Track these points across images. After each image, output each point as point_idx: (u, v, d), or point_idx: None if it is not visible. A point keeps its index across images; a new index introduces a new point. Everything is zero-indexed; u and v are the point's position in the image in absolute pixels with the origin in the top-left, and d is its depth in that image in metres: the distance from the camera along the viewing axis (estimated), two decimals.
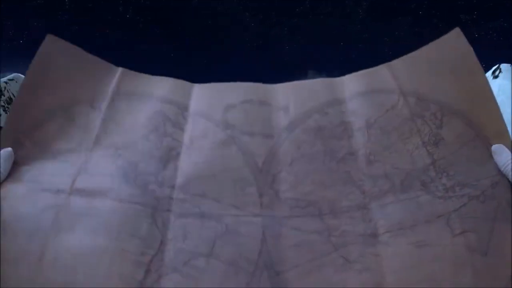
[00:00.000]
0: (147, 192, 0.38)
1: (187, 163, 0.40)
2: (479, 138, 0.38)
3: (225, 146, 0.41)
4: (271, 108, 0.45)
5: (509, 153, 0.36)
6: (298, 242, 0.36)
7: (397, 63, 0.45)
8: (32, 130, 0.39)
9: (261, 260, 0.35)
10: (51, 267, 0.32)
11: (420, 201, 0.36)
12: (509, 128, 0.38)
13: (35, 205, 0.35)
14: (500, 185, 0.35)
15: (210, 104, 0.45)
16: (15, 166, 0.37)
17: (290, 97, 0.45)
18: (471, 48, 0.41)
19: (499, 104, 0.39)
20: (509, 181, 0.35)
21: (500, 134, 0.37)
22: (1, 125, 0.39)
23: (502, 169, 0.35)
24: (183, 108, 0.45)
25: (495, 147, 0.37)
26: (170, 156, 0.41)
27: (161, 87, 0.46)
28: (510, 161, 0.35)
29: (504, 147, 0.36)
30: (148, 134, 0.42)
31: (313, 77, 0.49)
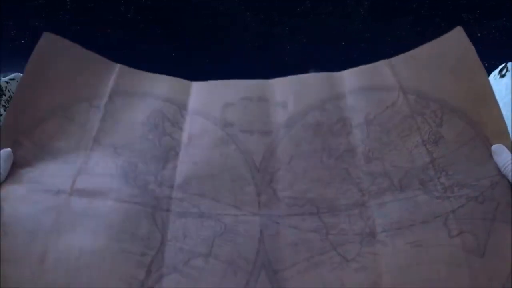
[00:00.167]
0: (146, 192, 0.37)
1: (186, 163, 0.40)
2: (479, 138, 0.37)
3: (224, 145, 0.41)
4: (269, 104, 0.44)
5: (509, 153, 0.35)
6: (296, 241, 0.35)
7: (397, 60, 0.44)
8: (31, 129, 0.38)
9: (259, 259, 0.35)
10: (53, 268, 0.32)
11: (418, 201, 0.36)
12: (510, 129, 0.38)
13: (36, 206, 0.34)
14: (499, 185, 0.34)
15: (208, 102, 0.44)
16: (15, 167, 0.36)
17: (289, 93, 0.44)
18: (473, 47, 0.41)
19: (506, 103, 0.39)
20: (509, 181, 0.34)
21: (500, 134, 0.37)
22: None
23: (502, 169, 0.35)
24: (181, 107, 0.44)
25: (495, 147, 0.36)
26: (169, 155, 0.40)
27: (160, 85, 0.45)
28: (510, 162, 0.34)
29: (504, 147, 0.36)
30: (147, 133, 0.41)
31: None
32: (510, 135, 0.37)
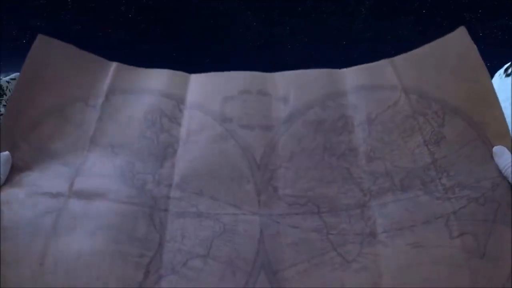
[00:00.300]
0: (144, 192, 0.37)
1: (184, 160, 0.39)
2: (480, 138, 0.37)
3: (223, 141, 0.40)
4: (270, 99, 0.43)
5: (510, 155, 0.35)
6: (296, 241, 0.35)
7: (399, 59, 0.44)
8: (28, 132, 0.38)
9: (258, 259, 0.34)
10: (52, 270, 0.32)
11: (419, 201, 0.35)
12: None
13: (35, 209, 0.34)
14: (500, 187, 0.34)
15: (207, 96, 0.43)
16: (13, 170, 0.36)
17: (290, 88, 0.43)
18: (475, 47, 0.40)
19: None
20: (509, 183, 0.34)
21: (501, 135, 0.36)
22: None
23: (502, 171, 0.35)
24: (179, 101, 0.43)
25: (496, 149, 0.36)
26: (167, 153, 0.40)
27: (157, 80, 0.45)
28: (510, 164, 0.34)
29: (505, 148, 0.35)
30: (145, 130, 0.41)
31: None
32: None
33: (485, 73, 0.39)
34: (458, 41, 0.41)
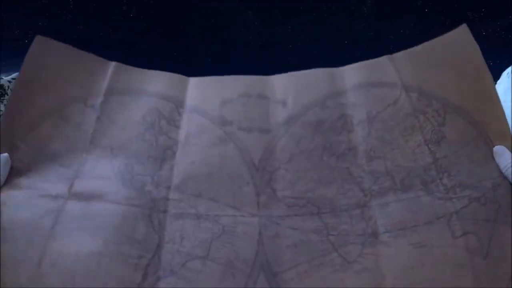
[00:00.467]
0: (143, 194, 0.39)
1: (183, 163, 0.41)
2: (481, 138, 0.39)
3: (222, 144, 0.42)
4: (268, 102, 0.45)
5: (510, 154, 0.36)
6: (296, 242, 0.37)
7: (400, 56, 0.46)
8: (27, 133, 0.40)
9: (257, 261, 0.36)
10: (50, 272, 0.33)
11: (421, 202, 0.37)
12: None
13: (34, 211, 0.36)
14: (501, 187, 0.36)
15: (206, 99, 0.46)
16: (13, 171, 0.38)
17: (289, 90, 0.46)
18: (477, 46, 0.42)
19: None
20: (510, 183, 0.35)
21: (502, 135, 0.38)
22: None
23: (503, 171, 0.36)
24: (178, 104, 0.46)
25: (496, 148, 0.38)
26: (165, 155, 0.42)
27: (156, 82, 0.47)
28: (511, 163, 0.35)
29: (505, 148, 0.37)
30: (143, 132, 0.43)
31: None
32: None
33: (486, 72, 0.40)
34: (460, 39, 0.43)
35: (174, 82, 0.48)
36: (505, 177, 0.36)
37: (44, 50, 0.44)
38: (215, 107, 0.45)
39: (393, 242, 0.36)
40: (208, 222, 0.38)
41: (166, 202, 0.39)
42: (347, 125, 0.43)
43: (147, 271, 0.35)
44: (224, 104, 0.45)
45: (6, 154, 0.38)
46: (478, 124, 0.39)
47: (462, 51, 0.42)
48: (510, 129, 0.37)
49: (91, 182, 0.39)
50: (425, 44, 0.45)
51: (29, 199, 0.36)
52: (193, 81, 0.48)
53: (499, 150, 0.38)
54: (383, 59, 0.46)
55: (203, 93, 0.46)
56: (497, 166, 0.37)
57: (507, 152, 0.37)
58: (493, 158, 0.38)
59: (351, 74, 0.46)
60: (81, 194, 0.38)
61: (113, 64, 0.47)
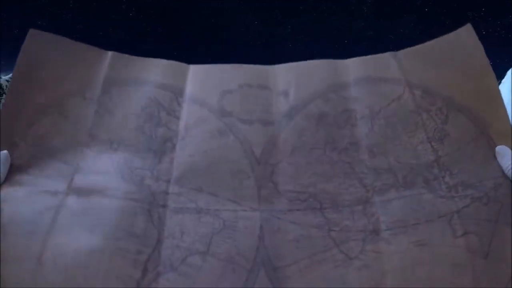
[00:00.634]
0: (143, 188, 0.36)
1: (182, 156, 0.39)
2: (483, 137, 0.37)
3: (222, 136, 0.39)
4: (270, 93, 0.42)
5: None
6: (297, 237, 0.35)
7: (404, 53, 0.43)
8: (26, 129, 0.38)
9: (258, 256, 0.34)
10: (50, 268, 0.31)
11: (422, 199, 0.35)
12: None
13: (34, 207, 0.34)
14: (503, 187, 0.34)
15: (206, 89, 0.42)
16: (12, 168, 0.36)
17: (291, 81, 0.43)
18: (481, 46, 0.40)
19: None
20: (511, 183, 0.34)
21: (505, 134, 0.36)
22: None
23: (505, 171, 0.34)
24: (178, 93, 0.42)
25: (498, 148, 0.35)
26: (165, 148, 0.39)
27: (155, 71, 0.44)
28: None
29: (507, 149, 0.35)
30: (143, 124, 0.40)
31: None
32: None
33: (490, 72, 0.39)
34: (464, 39, 0.41)
35: (173, 69, 0.44)
36: (507, 177, 0.35)
37: (39, 43, 0.41)
38: (215, 97, 0.42)
39: (394, 240, 0.34)
40: (208, 217, 0.36)
41: (165, 196, 0.37)
42: (350, 120, 0.40)
43: (147, 266, 0.33)
44: (224, 94, 0.42)
45: (5, 151, 0.36)
46: (481, 124, 0.37)
47: (466, 50, 0.41)
48: None
49: (91, 177, 0.37)
50: (429, 42, 0.43)
51: (29, 196, 0.35)
52: (194, 69, 0.44)
53: (501, 150, 0.35)
54: (387, 55, 0.44)
55: (203, 82, 0.43)
56: (499, 165, 0.35)
57: (509, 152, 0.35)
58: (495, 157, 0.36)
59: (354, 67, 0.43)
60: (81, 190, 0.36)
61: (110, 54, 0.44)
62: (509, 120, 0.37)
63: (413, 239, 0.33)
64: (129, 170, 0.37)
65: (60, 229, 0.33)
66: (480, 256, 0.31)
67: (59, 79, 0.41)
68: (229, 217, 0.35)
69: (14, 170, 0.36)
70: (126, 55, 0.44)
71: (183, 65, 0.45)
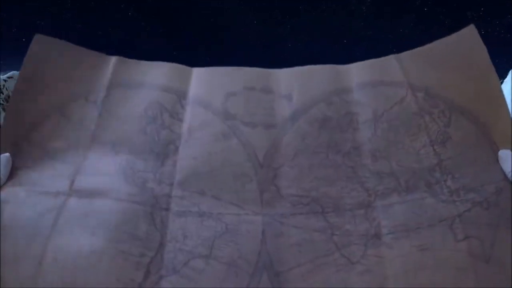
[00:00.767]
0: (145, 190, 0.37)
1: (185, 158, 0.39)
2: (485, 140, 0.37)
3: (225, 139, 0.40)
4: (273, 96, 0.43)
5: None
6: (300, 241, 0.35)
7: (406, 55, 0.44)
8: (29, 132, 0.38)
9: (261, 260, 0.34)
10: (51, 269, 0.31)
11: (424, 204, 0.35)
12: None
13: (35, 208, 0.34)
14: (504, 191, 0.34)
15: (209, 92, 0.43)
16: (14, 169, 0.36)
17: (294, 85, 0.43)
18: (485, 47, 0.40)
19: None
20: None
21: (507, 137, 0.36)
22: (0, 123, 0.39)
23: (508, 176, 0.34)
24: (181, 96, 0.43)
25: (501, 153, 0.35)
26: (168, 150, 0.39)
27: (158, 74, 0.44)
28: None
29: (510, 153, 0.35)
30: (145, 127, 0.40)
31: None
32: None
33: (493, 74, 0.39)
34: (467, 40, 0.41)
35: (176, 72, 0.45)
36: (508, 181, 0.35)
37: (44, 48, 0.42)
38: (219, 99, 0.42)
39: (395, 244, 0.34)
40: (211, 220, 0.36)
41: (168, 199, 0.37)
42: (352, 123, 0.41)
43: (149, 269, 0.33)
44: (228, 97, 0.42)
45: (7, 154, 0.36)
46: (483, 126, 0.38)
47: (469, 52, 0.40)
48: None
49: (92, 179, 0.37)
50: (432, 44, 0.43)
51: (31, 197, 0.35)
52: (197, 72, 0.45)
53: (504, 155, 0.36)
54: (389, 58, 0.44)
55: (207, 84, 0.44)
56: (501, 169, 0.35)
57: None
58: (497, 161, 0.36)
59: (357, 71, 0.44)
60: (82, 191, 0.36)
61: (114, 59, 0.45)
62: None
63: (415, 244, 0.33)
64: (131, 173, 0.37)
65: (61, 230, 0.33)
66: (482, 260, 0.32)
67: (63, 82, 0.41)
68: (231, 221, 0.36)
69: (16, 171, 0.36)
70: (130, 60, 0.45)
71: (186, 68, 0.45)
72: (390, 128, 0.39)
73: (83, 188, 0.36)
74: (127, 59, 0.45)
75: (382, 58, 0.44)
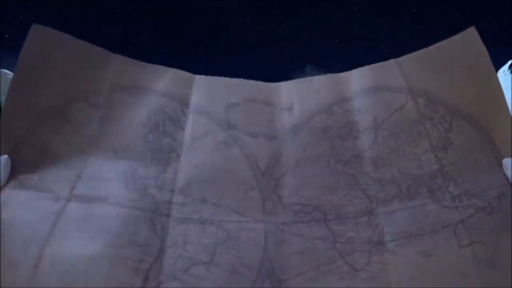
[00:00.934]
0: (146, 196, 0.37)
1: (187, 166, 0.40)
2: (487, 145, 0.37)
3: (227, 148, 0.41)
4: (274, 109, 0.44)
5: None
6: (302, 249, 0.36)
7: (406, 59, 0.44)
8: (28, 134, 0.38)
9: (263, 268, 0.35)
10: (48, 274, 0.32)
11: (427, 210, 0.36)
12: None
13: (34, 212, 0.34)
14: (506, 196, 0.35)
15: (212, 101, 0.44)
16: (13, 172, 0.36)
17: (295, 97, 0.44)
18: (485, 49, 0.40)
19: None
20: None
21: (508, 142, 0.37)
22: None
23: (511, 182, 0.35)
24: (183, 103, 0.44)
25: (506, 161, 0.36)
26: (170, 158, 0.40)
27: (161, 80, 0.45)
28: None
29: None
30: (147, 133, 0.41)
31: (311, 72, 0.48)
32: None
33: (494, 77, 0.39)
34: (468, 43, 0.41)
35: (179, 79, 0.45)
36: (509, 186, 0.35)
37: (42, 41, 0.40)
38: (221, 109, 0.43)
39: (399, 251, 0.35)
40: (212, 227, 0.37)
41: (169, 205, 0.38)
42: (353, 132, 0.42)
43: (148, 275, 0.33)
44: (230, 107, 0.44)
45: (6, 156, 0.37)
46: (485, 131, 0.38)
47: (470, 54, 0.41)
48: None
49: (93, 184, 0.37)
50: (432, 47, 0.44)
51: (30, 201, 0.35)
52: (199, 80, 0.46)
53: (507, 163, 0.36)
54: (390, 63, 0.45)
55: (209, 94, 0.45)
56: (503, 174, 0.36)
57: None
58: (498, 165, 0.37)
59: (356, 78, 0.45)
60: (83, 196, 0.37)
61: (115, 58, 0.44)
62: None
63: (418, 250, 0.34)
64: (132, 179, 0.38)
65: (60, 235, 0.34)
66: (487, 265, 0.33)
67: (63, 82, 0.41)
68: (233, 228, 0.37)
69: (15, 174, 0.36)
70: (132, 60, 0.45)
71: (189, 74, 0.46)
72: (391, 135, 0.40)
73: (83, 193, 0.37)
74: (128, 58, 0.45)
75: (382, 63, 0.45)
